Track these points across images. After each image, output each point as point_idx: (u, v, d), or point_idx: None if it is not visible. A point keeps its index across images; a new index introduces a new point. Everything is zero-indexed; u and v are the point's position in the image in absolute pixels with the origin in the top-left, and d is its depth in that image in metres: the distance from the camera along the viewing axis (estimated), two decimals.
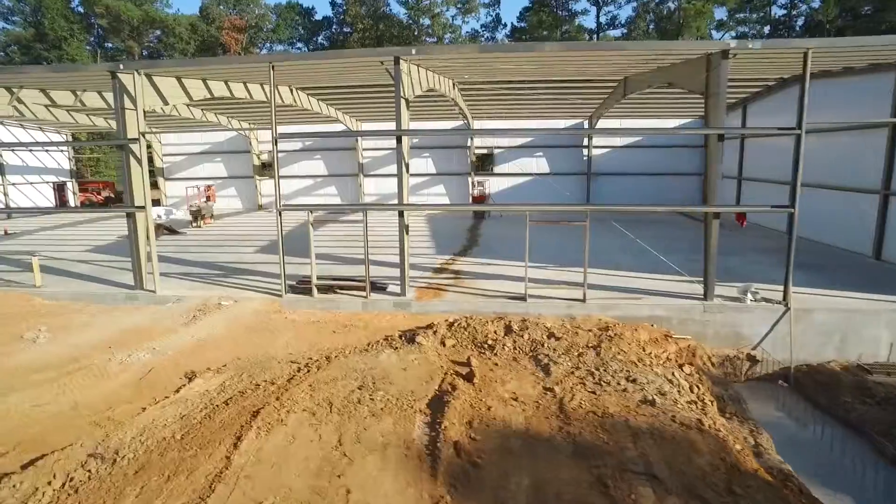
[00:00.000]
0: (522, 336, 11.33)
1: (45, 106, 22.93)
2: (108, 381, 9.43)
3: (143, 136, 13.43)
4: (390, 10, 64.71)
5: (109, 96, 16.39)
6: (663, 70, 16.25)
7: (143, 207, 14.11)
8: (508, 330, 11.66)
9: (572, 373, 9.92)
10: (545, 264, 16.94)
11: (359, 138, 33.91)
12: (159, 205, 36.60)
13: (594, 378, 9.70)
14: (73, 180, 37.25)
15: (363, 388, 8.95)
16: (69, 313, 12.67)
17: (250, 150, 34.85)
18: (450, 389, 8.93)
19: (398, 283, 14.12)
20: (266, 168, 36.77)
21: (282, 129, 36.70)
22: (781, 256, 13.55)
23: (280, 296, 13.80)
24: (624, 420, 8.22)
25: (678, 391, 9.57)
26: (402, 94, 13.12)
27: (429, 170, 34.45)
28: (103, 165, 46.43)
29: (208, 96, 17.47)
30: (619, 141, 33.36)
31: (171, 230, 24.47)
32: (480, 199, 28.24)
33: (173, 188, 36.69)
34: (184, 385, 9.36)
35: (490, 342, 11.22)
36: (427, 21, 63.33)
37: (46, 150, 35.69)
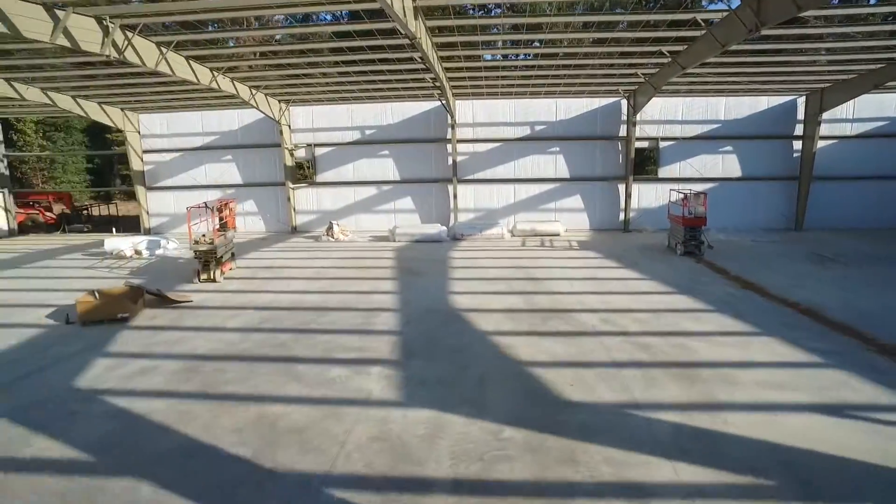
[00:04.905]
0: None
1: None
2: None
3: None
4: None
5: None
6: None
7: None
8: None
9: None
10: None
11: (454, 124, 21.88)
12: (140, 230, 24.33)
13: None
14: (6, 192, 24.60)
15: None
16: None
17: (280, 144, 22.65)
18: None
19: None
20: (303, 170, 24.66)
21: (327, 108, 23.06)
22: None
23: None
24: None
25: None
26: None
27: (559, 172, 22.55)
28: (60, 169, 33.63)
29: None
30: (850, 128, 21.86)
31: (162, 296, 12.26)
32: (698, 222, 16.61)
33: (160, 202, 24.30)
34: None
35: None
36: None
37: None
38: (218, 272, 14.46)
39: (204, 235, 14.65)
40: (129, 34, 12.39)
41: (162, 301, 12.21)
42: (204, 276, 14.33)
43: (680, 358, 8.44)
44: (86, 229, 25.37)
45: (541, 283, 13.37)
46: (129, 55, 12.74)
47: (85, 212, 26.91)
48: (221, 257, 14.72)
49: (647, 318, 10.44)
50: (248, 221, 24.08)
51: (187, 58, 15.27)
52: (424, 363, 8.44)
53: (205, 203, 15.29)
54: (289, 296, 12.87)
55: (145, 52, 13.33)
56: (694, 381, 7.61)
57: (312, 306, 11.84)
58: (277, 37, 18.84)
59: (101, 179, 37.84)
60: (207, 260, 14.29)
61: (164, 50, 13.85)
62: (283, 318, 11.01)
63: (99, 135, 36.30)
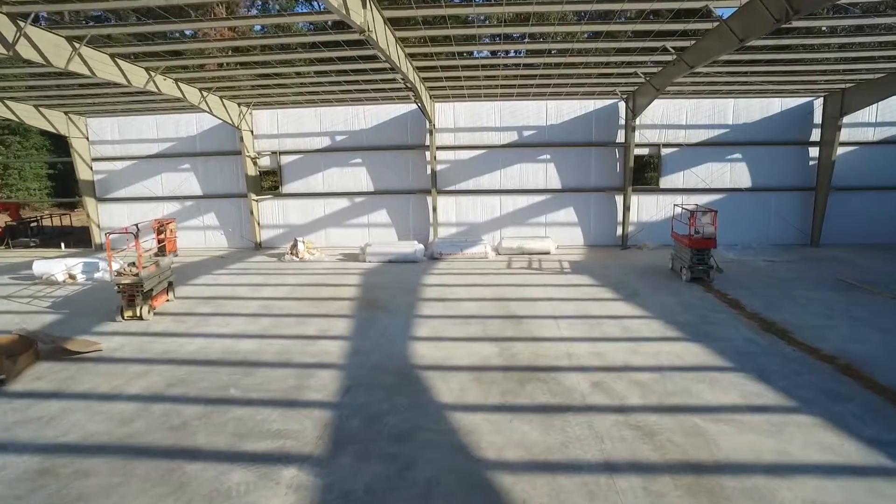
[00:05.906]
0: None
1: None
2: None
3: None
4: None
5: None
6: None
7: None
8: None
9: None
10: None
11: (433, 129, 19.72)
12: (91, 246, 22.19)
13: None
14: None
15: None
16: None
17: (241, 151, 20.47)
18: None
19: None
20: (275, 176, 22.54)
21: (293, 112, 20.61)
22: None
23: None
24: None
25: None
26: None
27: (550, 183, 20.42)
28: (16, 175, 31.37)
29: None
30: (872, 133, 19.81)
31: (59, 347, 10.09)
32: (707, 244, 14.55)
33: (112, 214, 22.11)
34: None
35: None
36: None
37: None
38: (146, 308, 12.30)
39: (132, 265, 12.51)
40: (22, 23, 10.20)
41: (62, 351, 10.05)
42: (128, 314, 12.14)
43: (695, 454, 6.34)
44: (32, 244, 23.15)
45: (522, 324, 11.25)
46: (27, 51, 10.56)
47: (34, 224, 24.68)
48: (151, 290, 12.55)
49: (651, 382, 8.33)
50: (210, 237, 21.91)
51: (113, 55, 13.08)
52: (355, 461, 6.32)
53: (136, 226, 13.06)
54: (221, 341, 10.72)
55: (50, 47, 11.15)
56: (716, 498, 5.52)
57: (242, 359, 9.69)
58: (257, 27, 16.69)
59: (64, 186, 35.47)
60: (133, 295, 12.12)
61: (76, 45, 11.67)
62: (201, 379, 8.87)
63: (62, 138, 33.93)
